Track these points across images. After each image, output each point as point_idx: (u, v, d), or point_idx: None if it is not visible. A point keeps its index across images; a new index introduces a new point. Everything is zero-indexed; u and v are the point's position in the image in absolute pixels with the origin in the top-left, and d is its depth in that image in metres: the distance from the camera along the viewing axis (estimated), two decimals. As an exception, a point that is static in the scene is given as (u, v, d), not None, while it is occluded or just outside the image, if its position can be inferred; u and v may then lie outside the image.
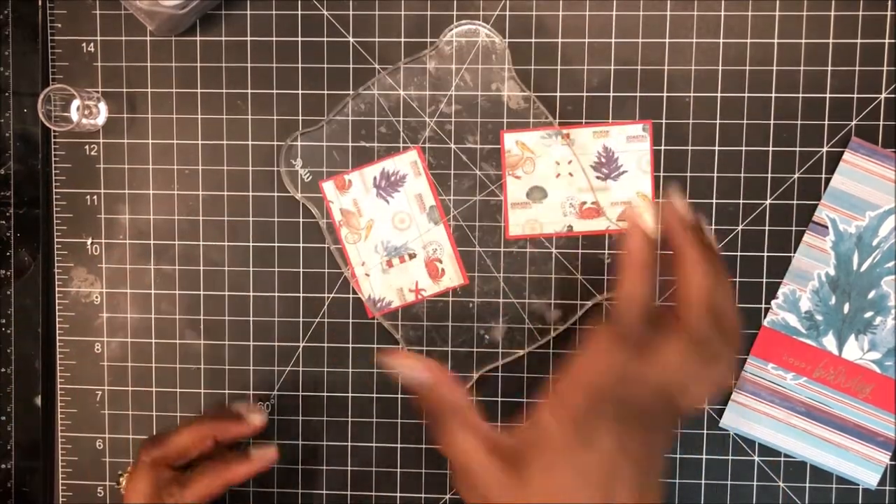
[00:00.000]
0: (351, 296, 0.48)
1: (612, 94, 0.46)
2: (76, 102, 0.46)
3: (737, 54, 0.45)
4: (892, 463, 0.46)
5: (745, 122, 0.46)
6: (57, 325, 0.49)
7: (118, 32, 0.48)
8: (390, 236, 0.47)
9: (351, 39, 0.47)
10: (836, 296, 0.45)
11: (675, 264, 0.35)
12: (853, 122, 0.45)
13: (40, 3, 0.48)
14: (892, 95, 0.45)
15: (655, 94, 0.46)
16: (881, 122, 0.45)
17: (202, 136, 0.48)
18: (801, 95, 0.45)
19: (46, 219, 0.49)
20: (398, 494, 0.49)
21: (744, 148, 0.46)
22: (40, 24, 0.48)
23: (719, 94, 0.46)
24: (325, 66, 0.47)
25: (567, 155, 0.46)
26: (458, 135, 0.47)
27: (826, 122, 0.45)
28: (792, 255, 0.46)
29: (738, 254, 0.46)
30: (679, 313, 0.34)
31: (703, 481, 0.47)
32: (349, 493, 0.49)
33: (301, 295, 0.48)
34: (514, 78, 0.46)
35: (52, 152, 0.48)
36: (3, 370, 0.49)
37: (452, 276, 0.47)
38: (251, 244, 0.48)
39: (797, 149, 0.46)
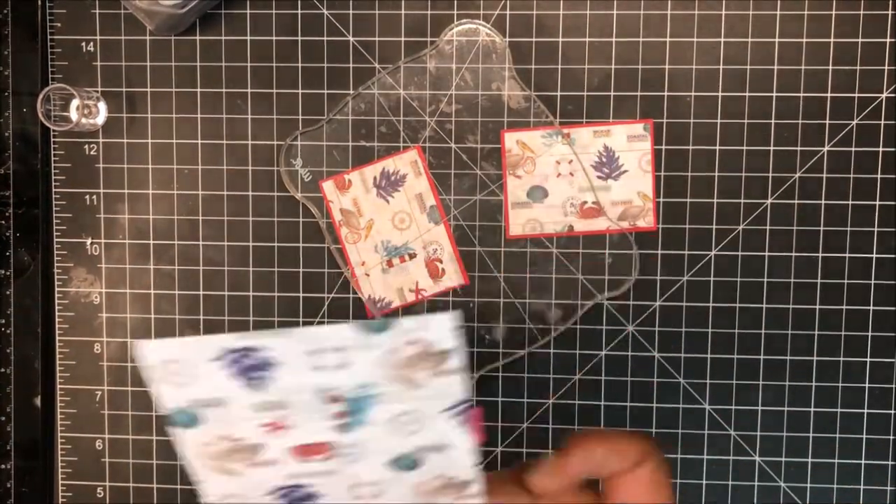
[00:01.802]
0: (351, 296, 0.48)
1: (612, 94, 0.46)
2: (76, 102, 0.46)
3: (737, 54, 0.45)
4: (892, 463, 0.46)
5: (745, 121, 0.46)
6: (57, 325, 0.49)
7: (118, 32, 0.48)
8: (390, 236, 0.47)
9: (351, 39, 0.47)
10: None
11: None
12: (854, 122, 0.45)
13: (40, 2, 0.47)
14: (893, 95, 0.45)
15: (656, 94, 0.46)
16: (882, 122, 0.45)
17: (202, 136, 0.48)
18: (801, 95, 0.45)
19: (46, 219, 0.49)
20: (398, 494, 0.48)
21: (744, 147, 0.46)
22: (40, 23, 0.47)
23: (720, 94, 0.46)
24: (325, 65, 0.47)
25: (568, 154, 0.46)
26: (458, 134, 0.47)
27: (827, 122, 0.45)
28: (792, 254, 0.46)
29: (739, 254, 0.46)
30: None
31: (703, 482, 0.47)
32: (349, 493, 0.49)
33: (301, 295, 0.48)
34: (514, 77, 0.46)
35: (52, 152, 0.48)
36: (3, 370, 0.49)
37: (453, 276, 0.47)
38: (251, 244, 0.48)
39: (798, 148, 0.46)
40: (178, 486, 0.49)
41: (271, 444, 0.27)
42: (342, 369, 0.25)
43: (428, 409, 0.26)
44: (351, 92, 0.47)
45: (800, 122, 0.45)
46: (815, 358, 0.46)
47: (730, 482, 0.47)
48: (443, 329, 0.25)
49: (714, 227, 0.46)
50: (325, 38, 0.47)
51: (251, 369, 0.25)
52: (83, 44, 0.48)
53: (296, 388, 0.26)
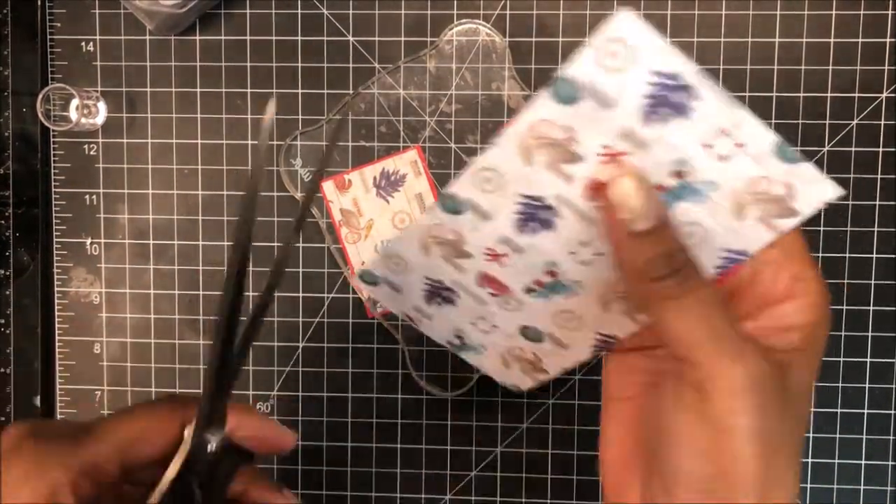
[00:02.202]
0: (351, 296, 0.48)
1: (612, 94, 0.46)
2: (75, 102, 0.46)
3: (738, 53, 0.45)
4: (892, 463, 0.46)
5: (745, 121, 0.45)
6: (56, 325, 0.49)
7: (117, 31, 0.48)
8: (390, 236, 0.47)
9: (351, 39, 0.47)
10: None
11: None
12: (854, 122, 0.45)
13: (40, 2, 0.47)
14: (893, 95, 0.45)
15: (656, 94, 0.46)
16: (882, 122, 0.45)
17: (201, 136, 0.48)
18: (801, 95, 0.45)
19: (46, 219, 0.49)
20: (398, 495, 0.48)
21: (744, 147, 0.46)
22: (39, 23, 0.47)
23: (720, 94, 0.45)
24: (325, 65, 0.47)
25: (567, 154, 0.46)
26: (458, 134, 0.47)
27: (827, 122, 0.45)
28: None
29: (739, 254, 0.46)
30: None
31: (703, 481, 0.47)
32: (349, 493, 0.49)
33: (301, 295, 0.48)
34: (514, 77, 0.46)
35: (52, 152, 0.48)
36: (3, 370, 0.49)
37: (453, 276, 0.47)
38: (250, 244, 0.48)
39: (798, 148, 0.45)
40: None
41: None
42: (721, 158, 0.26)
43: (715, 240, 0.27)
44: (351, 92, 0.47)
45: (800, 122, 0.45)
46: (815, 358, 0.46)
47: (730, 482, 0.47)
48: (817, 195, 0.26)
49: (714, 227, 0.46)
50: (325, 38, 0.47)
51: (669, 105, 0.27)
52: (83, 44, 0.48)
53: (683, 138, 0.26)
